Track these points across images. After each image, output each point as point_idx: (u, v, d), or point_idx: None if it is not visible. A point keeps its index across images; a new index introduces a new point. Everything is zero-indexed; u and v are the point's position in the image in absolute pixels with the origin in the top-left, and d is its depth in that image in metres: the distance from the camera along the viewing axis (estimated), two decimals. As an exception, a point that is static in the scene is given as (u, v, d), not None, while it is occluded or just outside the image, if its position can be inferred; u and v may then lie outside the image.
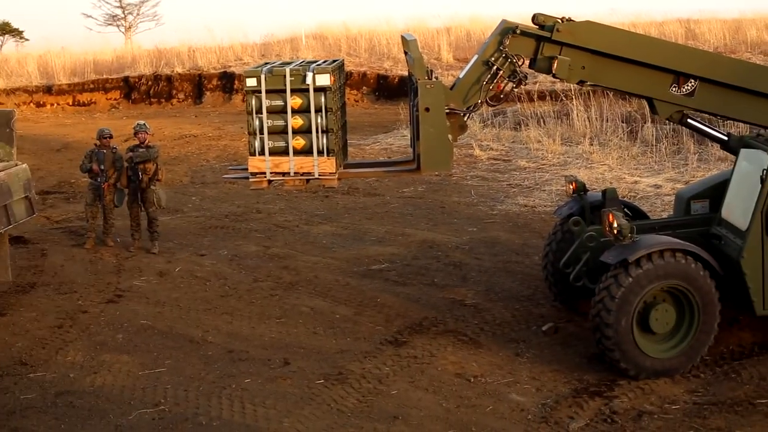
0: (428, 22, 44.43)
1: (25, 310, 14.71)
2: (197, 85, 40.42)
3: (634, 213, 14.30)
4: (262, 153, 12.48)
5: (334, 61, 13.25)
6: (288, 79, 12.29)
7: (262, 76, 12.30)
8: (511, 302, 14.66)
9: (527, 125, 28.37)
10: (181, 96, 40.29)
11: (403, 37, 13.18)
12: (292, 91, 12.31)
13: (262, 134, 12.43)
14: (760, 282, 12.09)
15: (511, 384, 11.89)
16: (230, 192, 22.83)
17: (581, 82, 12.89)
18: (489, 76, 12.39)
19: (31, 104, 40.25)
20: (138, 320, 14.18)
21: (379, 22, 44.31)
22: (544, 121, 28.59)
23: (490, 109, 30.50)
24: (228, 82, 39.99)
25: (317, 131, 12.36)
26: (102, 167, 17.65)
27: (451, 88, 12.56)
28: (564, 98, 29.73)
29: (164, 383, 11.98)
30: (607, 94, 28.08)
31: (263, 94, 12.33)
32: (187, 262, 17.11)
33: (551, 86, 31.43)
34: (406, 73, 32.93)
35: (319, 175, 12.56)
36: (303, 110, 12.35)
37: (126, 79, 41.07)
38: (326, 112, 12.32)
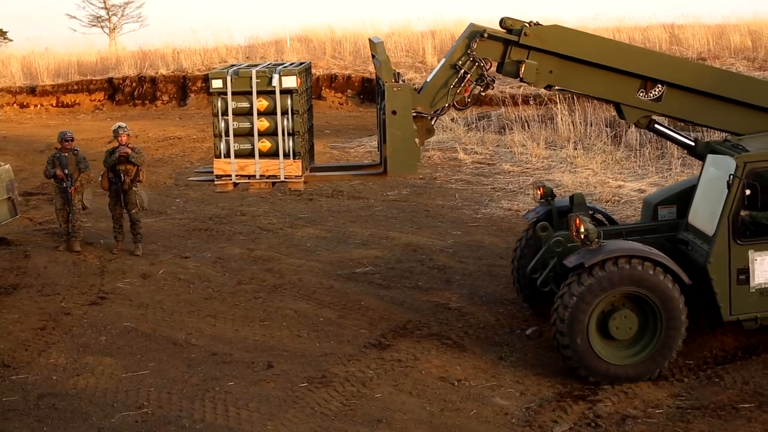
0: (413, 25, 44.44)
1: (8, 311, 14.64)
2: (181, 87, 40.36)
3: (593, 218, 14.23)
4: (227, 155, 12.49)
5: (301, 63, 13.26)
6: (254, 81, 12.31)
7: (228, 78, 12.30)
8: (495, 306, 14.66)
9: (512, 129, 28.41)
10: (166, 98, 40.23)
11: (370, 40, 13.19)
12: (258, 93, 12.34)
13: (228, 136, 12.44)
14: (726, 287, 12.05)
15: (495, 388, 11.89)
16: (214, 194, 22.74)
17: (549, 87, 12.93)
18: (456, 79, 12.46)
19: (15, 105, 40.12)
20: (121, 322, 14.13)
21: (365, 25, 44.33)
22: (528, 125, 28.65)
23: (474, 112, 30.60)
24: (212, 84, 39.83)
25: (283, 134, 12.38)
26: (66, 171, 17.48)
27: (419, 92, 12.58)
28: (548, 102, 29.79)
29: (147, 386, 11.94)
30: (591, 98, 28.12)
31: (229, 96, 12.33)
32: (171, 264, 17.07)
33: (535, 90, 31.46)
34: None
35: (285, 178, 12.56)
36: (269, 112, 12.38)
37: (110, 81, 40.98)
38: (292, 114, 12.36)
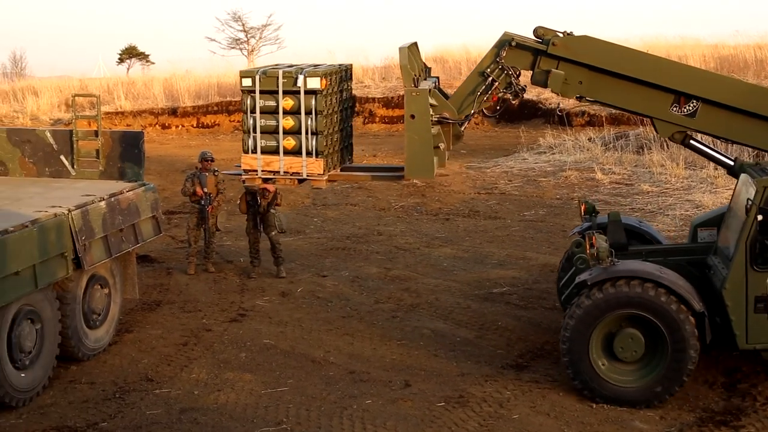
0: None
1: (151, 327, 14.98)
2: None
3: (643, 238, 14.15)
4: (254, 151, 12.83)
5: (340, 65, 13.54)
6: (281, 80, 12.59)
7: (257, 77, 12.64)
8: (634, 328, 14.41)
9: (650, 149, 27.97)
10: (303, 118, 40.60)
11: (399, 48, 13.18)
12: (285, 92, 12.62)
13: (255, 133, 12.76)
14: (743, 315, 11.68)
15: (635, 411, 11.69)
16: (351, 214, 22.98)
17: (580, 98, 12.72)
18: (484, 87, 12.47)
19: (157, 126, 41.03)
20: (261, 339, 14.33)
21: (499, 46, 44.10)
22: (667, 145, 28.11)
23: (612, 132, 30.23)
24: (349, 104, 40.18)
25: (307, 133, 12.62)
26: (205, 190, 17.69)
27: (448, 98, 12.67)
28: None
29: (286, 402, 12.07)
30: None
31: (257, 94, 12.68)
32: (309, 282, 17.24)
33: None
34: (530, 97, 32.84)
35: (308, 176, 12.79)
36: (294, 112, 12.64)
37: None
38: (316, 114, 12.58)
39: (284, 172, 12.86)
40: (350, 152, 14.14)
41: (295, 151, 12.78)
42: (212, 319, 15.31)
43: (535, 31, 12.44)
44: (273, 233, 17.68)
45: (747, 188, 12.11)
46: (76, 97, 16.07)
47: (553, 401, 11.98)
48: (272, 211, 17.65)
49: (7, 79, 57.20)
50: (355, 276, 17.64)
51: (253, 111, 12.77)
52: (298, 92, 12.62)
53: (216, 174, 17.88)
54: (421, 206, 23.64)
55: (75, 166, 15.15)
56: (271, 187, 16.90)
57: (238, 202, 18.03)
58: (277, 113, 12.72)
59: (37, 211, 12.68)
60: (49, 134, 15.43)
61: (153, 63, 71.59)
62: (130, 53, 73.07)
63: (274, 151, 12.82)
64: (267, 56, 65.94)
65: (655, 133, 13.10)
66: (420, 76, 12.87)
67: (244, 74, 12.85)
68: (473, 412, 11.71)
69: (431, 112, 12.35)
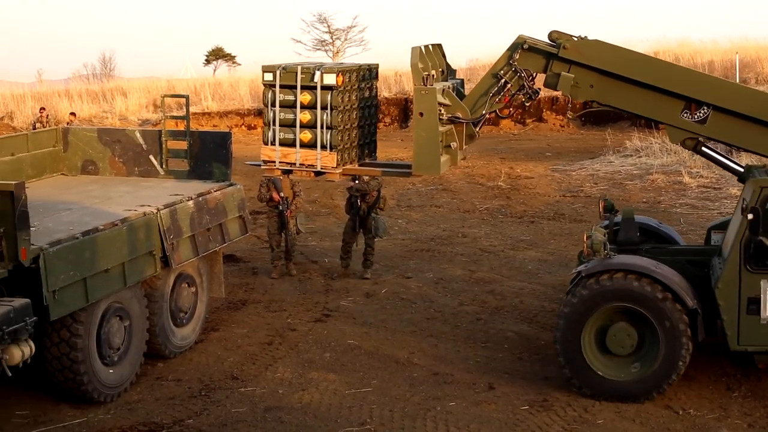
0: (636, 46, 43.62)
1: (237, 326, 15.11)
2: (403, 109, 40.80)
3: (661, 238, 14.08)
4: (273, 143, 13.19)
5: (368, 66, 13.90)
6: (299, 76, 12.92)
7: (278, 72, 13.01)
8: (723, 334, 14.22)
9: (739, 152, 27.51)
10: (388, 120, 40.73)
11: (412, 48, 13.18)
12: (303, 87, 12.95)
13: (275, 126, 13.13)
14: (735, 315, 11.67)
15: (722, 419, 11.55)
16: (436, 215, 22.98)
17: (592, 102, 12.69)
18: (496, 88, 12.52)
19: (243, 126, 41.43)
20: (345, 340, 14.38)
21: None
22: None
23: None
24: (434, 106, 40.15)
25: (322, 127, 12.92)
26: (281, 194, 17.65)
27: (462, 99, 12.78)
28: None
29: (370, 403, 12.10)
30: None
31: (277, 89, 13.06)
32: (394, 284, 17.27)
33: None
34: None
35: (322, 168, 13.10)
36: (311, 106, 12.94)
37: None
38: (331, 109, 12.86)
39: (300, 164, 13.24)
40: (374, 149, 14.36)
41: (311, 145, 13.12)
42: (297, 319, 15.40)
43: (550, 35, 12.52)
44: (369, 236, 17.71)
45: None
46: (165, 98, 16.25)
47: (639, 407, 11.85)
48: (373, 215, 17.65)
49: (97, 80, 58.10)
50: (439, 278, 17.63)
51: (273, 105, 13.17)
52: (315, 88, 12.93)
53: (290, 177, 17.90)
54: (506, 208, 23.55)
55: (163, 166, 15.35)
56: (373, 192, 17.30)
57: (345, 203, 18.12)
58: (296, 107, 13.07)
59: (126, 209, 12.88)
60: (138, 134, 15.66)
61: (239, 64, 72.35)
62: (217, 54, 73.85)
63: (291, 144, 13.20)
64: (351, 58, 66.13)
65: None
66: (435, 76, 12.97)
67: (266, 69, 13.23)
68: (557, 416, 11.64)
69: (442, 111, 12.44)
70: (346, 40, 71.40)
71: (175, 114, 26.03)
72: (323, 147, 13.02)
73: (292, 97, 13.04)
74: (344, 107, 13.06)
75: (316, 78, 12.86)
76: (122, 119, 41.96)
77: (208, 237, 14.08)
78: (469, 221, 22.21)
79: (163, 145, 15.29)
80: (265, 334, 14.74)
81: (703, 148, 12.71)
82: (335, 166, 13.07)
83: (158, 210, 12.99)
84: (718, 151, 13.21)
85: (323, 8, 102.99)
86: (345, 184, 17.81)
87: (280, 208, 17.68)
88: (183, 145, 15.25)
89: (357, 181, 17.32)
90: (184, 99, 15.87)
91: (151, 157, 15.42)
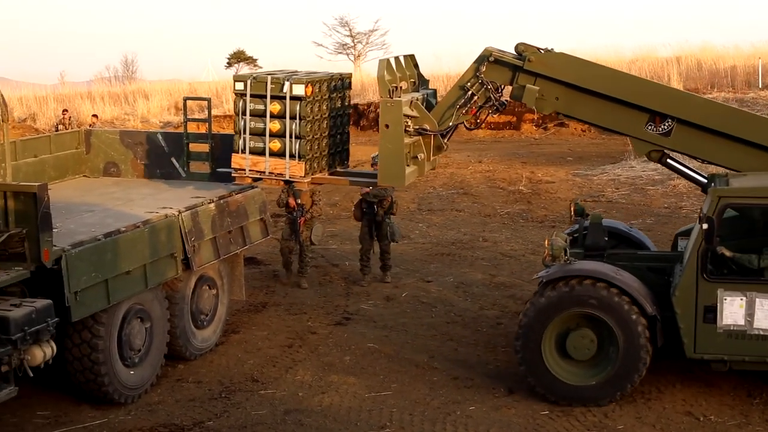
0: (657, 51, 43.60)
1: (257, 328, 15.14)
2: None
3: (632, 242, 14.09)
4: (244, 151, 13.42)
5: (339, 75, 14.00)
6: (269, 86, 13.15)
7: (248, 81, 13.28)
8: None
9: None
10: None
11: (379, 60, 13.18)
12: (272, 97, 13.17)
13: (245, 134, 13.37)
14: (692, 323, 11.65)
15: (743, 425, 11.50)
16: (456, 219, 22.96)
17: (558, 114, 12.86)
18: (463, 100, 12.65)
19: (264, 130, 41.33)
20: (365, 343, 14.39)
21: (607, 52, 43.72)
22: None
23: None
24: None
25: (291, 136, 13.13)
26: (298, 201, 17.42)
27: (430, 111, 12.86)
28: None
29: (390, 406, 12.11)
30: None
31: (248, 98, 13.31)
32: (414, 287, 17.27)
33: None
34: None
35: (290, 177, 13.32)
36: (281, 116, 13.16)
37: (355, 107, 41.69)
38: (300, 119, 13.06)
39: (269, 172, 13.44)
40: (345, 157, 14.49)
41: (280, 153, 13.31)
42: (317, 322, 15.42)
43: (516, 47, 12.68)
44: (384, 242, 17.68)
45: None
46: (187, 101, 16.29)
47: (659, 412, 11.83)
48: (387, 220, 17.62)
49: (119, 82, 58.31)
50: (459, 282, 17.61)
51: (244, 113, 13.40)
52: (285, 97, 13.12)
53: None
54: (527, 213, 23.51)
55: (185, 168, 15.39)
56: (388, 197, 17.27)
57: (353, 209, 18.05)
58: (264, 116, 13.29)
59: (148, 211, 12.93)
60: (160, 136, 15.72)
61: (260, 67, 72.40)
62: (238, 57, 74.03)
63: (261, 152, 13.40)
64: (373, 62, 66.13)
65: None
66: (406, 87, 13.05)
67: (237, 78, 13.57)
68: (577, 421, 11.62)
69: (409, 123, 12.53)
70: (367, 43, 71.56)
71: (196, 117, 26.09)
72: (292, 156, 13.24)
73: (262, 107, 13.28)
74: (314, 117, 13.29)
75: (285, 88, 13.09)
76: (144, 122, 42.09)
77: (229, 239, 14.11)
78: (489, 225, 22.19)
79: (185, 148, 15.33)
80: (285, 336, 14.76)
81: (668, 160, 12.92)
82: (303, 175, 13.32)
83: (180, 212, 13.03)
84: (683, 162, 13.36)
85: (345, 11, 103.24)
86: (361, 189, 17.74)
87: (294, 215, 17.50)
88: (204, 147, 15.29)
89: (373, 187, 17.22)
90: (206, 102, 15.91)
91: (173, 160, 15.47)
